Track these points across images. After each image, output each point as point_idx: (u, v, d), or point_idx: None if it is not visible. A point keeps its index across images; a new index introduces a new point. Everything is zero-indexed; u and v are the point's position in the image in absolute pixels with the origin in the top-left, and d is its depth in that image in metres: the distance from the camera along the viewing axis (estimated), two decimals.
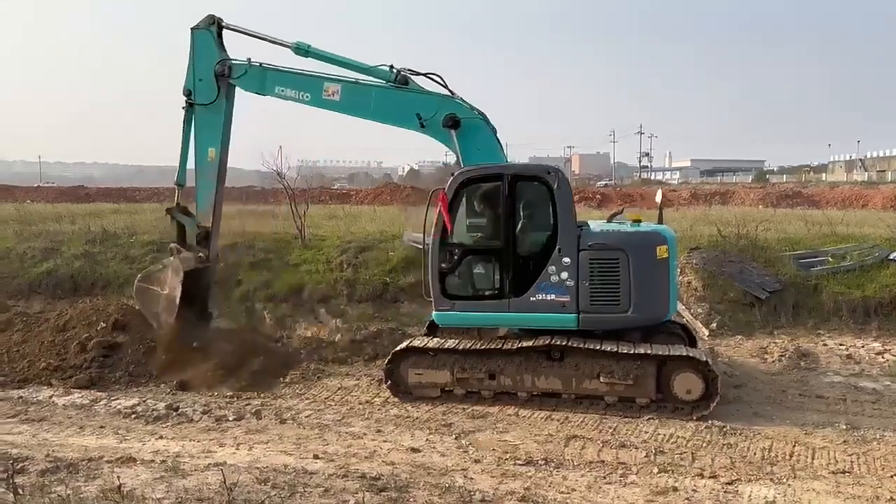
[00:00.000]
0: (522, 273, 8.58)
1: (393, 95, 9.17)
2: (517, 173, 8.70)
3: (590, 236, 8.46)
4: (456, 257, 8.77)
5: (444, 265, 8.76)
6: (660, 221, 9.12)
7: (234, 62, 9.72)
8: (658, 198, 9.49)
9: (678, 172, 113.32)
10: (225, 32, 10.00)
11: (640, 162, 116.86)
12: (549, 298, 8.48)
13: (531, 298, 8.52)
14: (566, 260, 8.41)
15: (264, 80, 9.59)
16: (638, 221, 8.78)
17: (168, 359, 9.79)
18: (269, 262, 14.69)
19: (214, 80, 9.71)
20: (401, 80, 9.16)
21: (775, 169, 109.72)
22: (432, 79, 9.20)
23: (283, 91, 9.52)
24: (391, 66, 9.18)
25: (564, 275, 8.42)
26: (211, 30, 9.78)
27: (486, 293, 8.75)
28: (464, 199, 8.80)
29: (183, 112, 9.94)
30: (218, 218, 10.35)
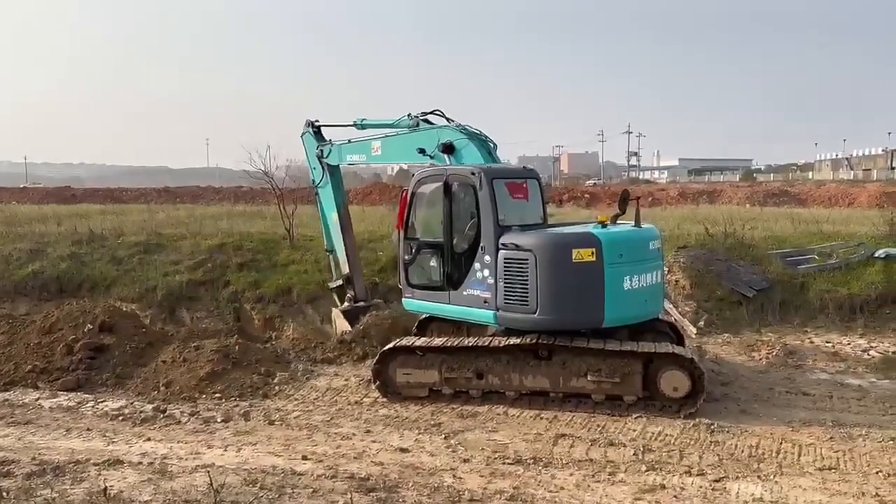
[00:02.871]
0: (458, 268, 8.97)
1: (406, 139, 10.53)
2: (451, 174, 9.05)
3: (507, 236, 8.54)
4: (414, 250, 9.39)
5: (406, 257, 9.46)
6: (637, 222, 9.03)
7: (323, 146, 11.87)
8: (620, 200, 9.20)
9: (666, 171, 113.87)
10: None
11: (628, 161, 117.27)
12: (475, 294, 8.77)
13: (464, 292, 8.88)
14: (487, 258, 8.63)
15: (340, 153, 11.70)
16: (603, 223, 8.74)
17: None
18: (257, 263, 14.66)
19: (320, 163, 11.91)
20: (414, 123, 10.52)
21: (762, 168, 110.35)
22: (436, 114, 10.39)
23: (351, 157, 11.63)
24: (409, 115, 10.61)
25: (486, 272, 8.64)
26: (309, 130, 12.03)
27: (434, 284, 9.21)
28: (420, 198, 9.41)
29: (316, 197, 12.41)
30: (354, 263, 12.22)
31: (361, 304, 12.03)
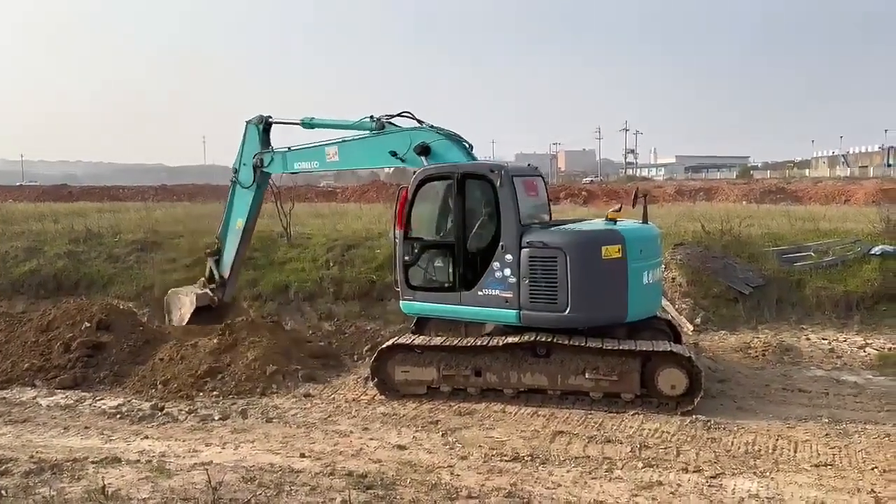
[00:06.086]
0: (472, 268, 8.80)
1: (373, 143, 10.05)
2: (465, 172, 8.86)
3: (531, 234, 8.49)
4: (416, 251, 9.13)
5: (406, 258, 9.16)
6: (644, 220, 9.12)
7: (264, 155, 11.05)
8: (634, 196, 9.34)
9: (663, 169, 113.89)
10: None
11: (625, 158, 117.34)
12: (494, 294, 8.62)
13: (479, 293, 8.71)
14: (508, 257, 8.51)
15: (285, 161, 10.92)
16: (613, 220, 8.78)
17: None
18: (254, 261, 14.65)
19: (252, 168, 11.13)
20: (379, 126, 10.01)
21: (759, 165, 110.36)
22: (405, 116, 9.98)
23: (300, 164, 10.86)
24: (371, 117, 10.12)
25: (507, 271, 8.52)
26: (259, 126, 11.15)
27: (442, 286, 9.02)
28: (423, 196, 9.13)
29: (230, 183, 11.61)
30: (235, 273, 11.88)
31: (216, 306, 11.66)
